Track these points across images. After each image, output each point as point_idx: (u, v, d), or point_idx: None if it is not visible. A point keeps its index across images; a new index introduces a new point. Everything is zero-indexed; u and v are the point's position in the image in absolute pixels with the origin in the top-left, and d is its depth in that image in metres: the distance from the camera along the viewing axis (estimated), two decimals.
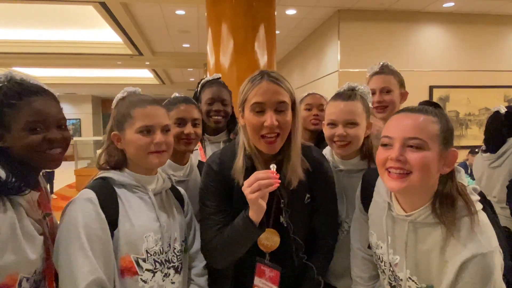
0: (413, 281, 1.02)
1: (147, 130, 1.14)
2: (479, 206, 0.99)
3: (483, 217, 0.96)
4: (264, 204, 1.09)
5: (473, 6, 5.37)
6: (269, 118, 1.12)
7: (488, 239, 0.91)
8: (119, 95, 1.23)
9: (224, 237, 1.18)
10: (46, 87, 1.11)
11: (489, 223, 0.96)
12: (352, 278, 1.34)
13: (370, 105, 1.46)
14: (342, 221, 1.45)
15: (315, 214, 1.32)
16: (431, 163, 0.94)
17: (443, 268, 0.94)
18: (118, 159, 1.19)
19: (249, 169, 1.19)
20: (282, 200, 1.23)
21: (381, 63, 1.81)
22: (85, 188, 1.12)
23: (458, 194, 0.97)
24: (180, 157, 1.57)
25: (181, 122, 1.52)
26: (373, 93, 1.76)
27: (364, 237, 1.27)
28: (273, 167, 1.09)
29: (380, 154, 1.01)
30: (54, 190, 8.71)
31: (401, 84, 1.79)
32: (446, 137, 0.96)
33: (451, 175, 1.00)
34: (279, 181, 1.06)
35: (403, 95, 1.79)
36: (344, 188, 1.45)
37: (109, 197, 1.11)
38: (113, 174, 1.15)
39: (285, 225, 1.24)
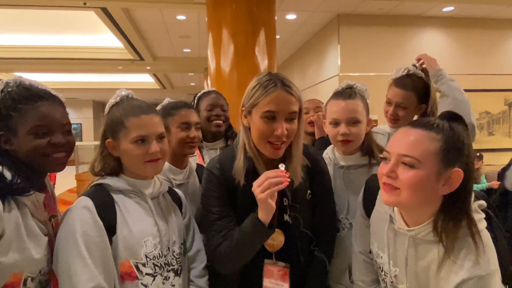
0: None
1: (142, 140, 1.14)
2: (482, 225, 0.96)
3: (485, 237, 0.94)
4: (273, 204, 1.08)
5: (472, 10, 5.39)
6: (280, 128, 1.13)
7: (487, 261, 0.88)
8: (111, 101, 1.20)
9: (232, 241, 1.16)
10: (53, 92, 1.13)
11: (491, 244, 0.94)
12: (353, 282, 1.34)
13: (367, 101, 1.49)
14: (343, 218, 1.45)
15: (316, 210, 1.33)
16: (423, 183, 0.91)
17: (439, 287, 0.92)
18: (113, 166, 1.19)
19: (250, 170, 1.20)
20: (285, 198, 1.24)
21: (408, 69, 1.74)
22: (81, 195, 1.12)
23: (465, 217, 0.93)
24: (180, 161, 1.60)
25: (186, 126, 1.57)
26: (389, 103, 1.75)
27: (366, 241, 1.26)
28: (281, 166, 1.09)
29: (379, 168, 1.01)
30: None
31: (421, 99, 1.72)
32: (449, 156, 0.91)
33: (463, 198, 0.93)
34: (289, 180, 1.07)
35: (421, 109, 1.75)
36: (345, 184, 1.47)
37: (106, 203, 1.11)
38: (109, 180, 1.15)
39: (290, 222, 1.25)
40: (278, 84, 1.14)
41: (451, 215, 0.93)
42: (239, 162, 1.21)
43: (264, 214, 1.09)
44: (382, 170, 0.99)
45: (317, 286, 1.33)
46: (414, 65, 1.78)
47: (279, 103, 1.13)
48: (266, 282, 1.25)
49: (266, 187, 1.05)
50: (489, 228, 1.19)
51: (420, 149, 0.92)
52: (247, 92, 1.19)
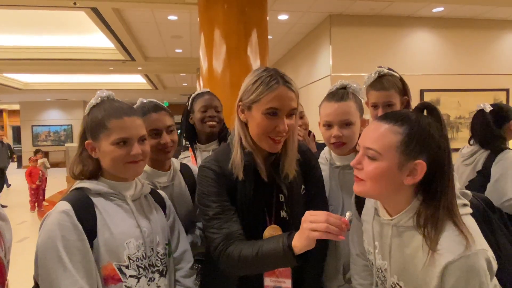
0: (400, 286, 1.01)
1: (124, 142, 1.13)
2: (465, 210, 0.98)
3: (468, 221, 0.95)
4: (314, 243, 1.01)
5: (462, 11, 5.46)
6: (282, 125, 1.14)
7: (472, 242, 0.88)
8: (92, 102, 1.18)
9: (253, 251, 1.11)
10: None
11: (475, 227, 0.95)
12: (352, 285, 1.35)
13: (362, 101, 1.50)
14: None
15: (309, 205, 1.32)
16: (384, 174, 0.94)
17: (427, 272, 0.92)
18: (93, 169, 1.17)
19: (248, 164, 1.20)
20: (281, 194, 1.25)
21: (378, 72, 1.75)
22: (60, 200, 1.10)
23: (445, 204, 0.93)
24: (161, 164, 1.55)
25: (156, 132, 1.47)
26: (375, 107, 1.76)
27: (362, 243, 1.26)
28: (349, 214, 0.99)
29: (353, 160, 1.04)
30: (46, 196, 8.62)
31: (401, 92, 1.77)
32: (411, 148, 0.93)
33: (440, 189, 0.94)
34: (344, 237, 0.98)
35: (403, 102, 1.78)
36: (340, 185, 1.47)
37: (85, 207, 1.10)
38: (88, 184, 1.14)
39: (287, 218, 1.25)
40: (280, 81, 1.14)
41: (431, 206, 0.94)
42: (236, 157, 1.20)
43: (300, 247, 1.03)
44: (352, 162, 1.03)
45: (314, 281, 1.34)
46: (381, 67, 1.81)
47: (282, 100, 1.14)
48: (267, 281, 1.24)
49: (322, 229, 0.96)
50: (490, 231, 1.20)
51: (382, 142, 0.95)
52: (246, 87, 1.18)
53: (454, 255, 0.87)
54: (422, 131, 0.94)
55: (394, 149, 0.94)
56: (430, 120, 0.97)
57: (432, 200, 0.94)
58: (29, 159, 8.50)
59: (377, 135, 0.97)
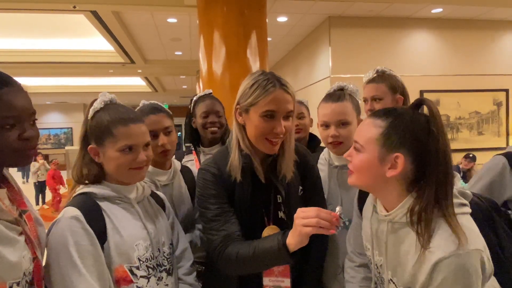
0: (394, 283, 1.01)
1: (129, 148, 1.14)
2: (463, 210, 0.97)
3: (464, 220, 0.94)
4: (307, 239, 1.05)
5: (461, 11, 5.47)
6: (279, 127, 1.17)
7: (465, 241, 0.87)
8: (96, 106, 1.17)
9: (249, 250, 1.14)
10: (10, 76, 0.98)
11: (472, 227, 0.93)
12: (345, 280, 1.35)
13: (359, 102, 1.53)
14: None
15: (307, 205, 1.33)
16: (366, 166, 0.99)
17: (418, 269, 0.92)
18: (97, 173, 1.18)
19: (246, 166, 1.22)
20: (278, 195, 1.27)
21: (376, 69, 1.79)
22: (67, 206, 1.11)
23: (435, 200, 0.92)
24: (161, 164, 1.57)
25: (153, 134, 1.45)
26: (365, 102, 1.79)
27: (358, 242, 1.27)
28: (339, 208, 1.04)
29: None
30: (46, 199, 8.62)
31: (394, 90, 1.77)
32: (390, 141, 0.95)
33: (429, 182, 0.93)
34: (335, 231, 1.02)
35: (398, 101, 1.78)
36: (338, 184, 1.50)
37: (93, 212, 1.11)
38: (93, 189, 1.15)
39: (285, 219, 1.27)
40: (276, 84, 1.17)
41: (422, 200, 0.94)
42: (234, 159, 1.23)
43: (294, 244, 1.06)
44: (345, 153, 1.09)
45: (313, 280, 1.36)
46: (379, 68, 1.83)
47: (278, 102, 1.16)
48: (265, 280, 1.26)
49: (313, 224, 1.00)
50: (493, 232, 1.19)
51: (364, 135, 1.01)
52: (244, 91, 1.21)
53: (444, 253, 0.87)
54: (402, 125, 0.96)
55: (374, 142, 0.98)
56: (419, 116, 0.97)
57: (422, 197, 0.94)
58: (51, 162, 8.75)
59: (361, 129, 1.03)
